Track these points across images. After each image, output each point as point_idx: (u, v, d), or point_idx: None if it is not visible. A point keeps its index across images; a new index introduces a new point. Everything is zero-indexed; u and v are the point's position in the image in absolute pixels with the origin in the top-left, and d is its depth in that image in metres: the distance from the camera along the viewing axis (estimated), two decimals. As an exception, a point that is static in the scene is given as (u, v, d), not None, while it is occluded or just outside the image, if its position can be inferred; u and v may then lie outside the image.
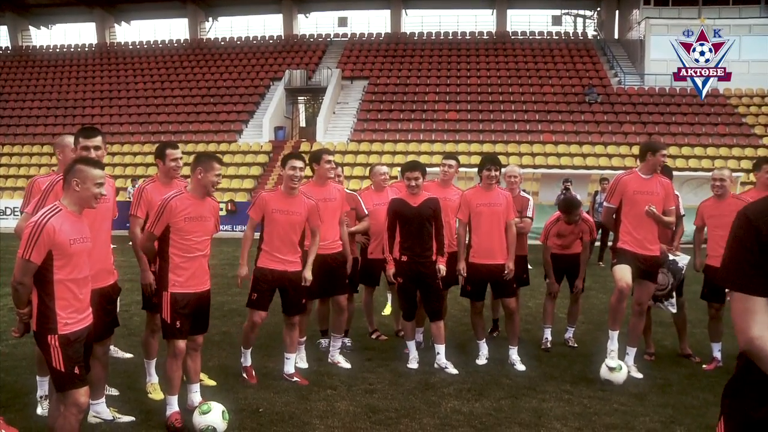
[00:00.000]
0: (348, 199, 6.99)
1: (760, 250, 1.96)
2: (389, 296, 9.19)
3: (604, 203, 6.70)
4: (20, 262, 3.73)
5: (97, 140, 4.80)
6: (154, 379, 5.71)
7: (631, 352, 6.49)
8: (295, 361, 6.29)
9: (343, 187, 7.02)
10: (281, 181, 6.00)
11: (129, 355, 6.78)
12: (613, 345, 6.29)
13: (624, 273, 6.28)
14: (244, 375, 6.10)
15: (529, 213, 7.40)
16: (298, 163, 5.85)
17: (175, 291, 4.88)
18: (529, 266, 8.03)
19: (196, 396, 5.19)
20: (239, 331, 6.85)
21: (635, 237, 6.36)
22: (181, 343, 4.97)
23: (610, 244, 6.85)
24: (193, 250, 4.93)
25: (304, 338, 6.72)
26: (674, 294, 6.93)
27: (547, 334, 7.56)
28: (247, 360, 6.14)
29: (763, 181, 6.59)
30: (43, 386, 5.05)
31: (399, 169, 8.11)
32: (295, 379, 6.08)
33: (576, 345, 7.58)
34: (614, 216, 6.52)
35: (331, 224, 6.50)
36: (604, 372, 6.21)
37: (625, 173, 6.67)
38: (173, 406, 4.97)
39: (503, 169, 7.65)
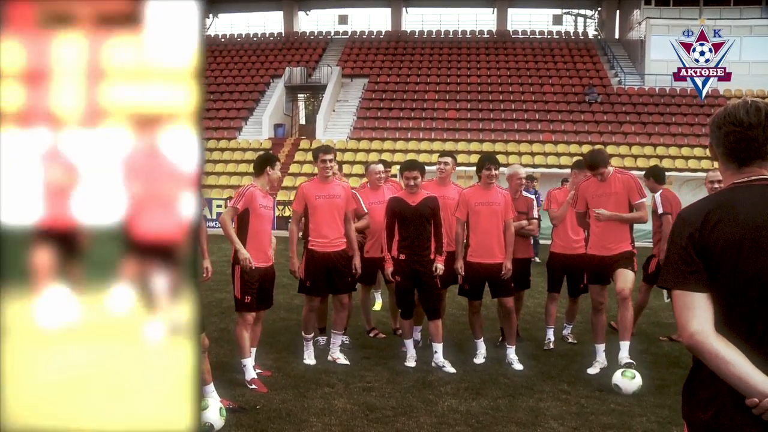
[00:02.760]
0: None
1: (693, 248, 2.06)
2: (378, 293, 9.20)
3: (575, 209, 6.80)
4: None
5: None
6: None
7: (624, 346, 6.38)
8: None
9: (349, 185, 7.01)
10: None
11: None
12: (600, 357, 6.53)
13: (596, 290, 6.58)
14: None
15: (535, 214, 7.40)
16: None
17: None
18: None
19: (213, 395, 5.05)
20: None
21: (600, 239, 6.43)
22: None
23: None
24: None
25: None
26: None
27: (550, 334, 7.50)
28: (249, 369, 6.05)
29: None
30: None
31: (398, 167, 8.11)
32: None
33: (575, 341, 7.59)
34: (586, 219, 6.61)
35: (334, 222, 6.47)
36: (617, 378, 5.93)
37: (585, 178, 6.72)
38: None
39: (507, 170, 7.70)
